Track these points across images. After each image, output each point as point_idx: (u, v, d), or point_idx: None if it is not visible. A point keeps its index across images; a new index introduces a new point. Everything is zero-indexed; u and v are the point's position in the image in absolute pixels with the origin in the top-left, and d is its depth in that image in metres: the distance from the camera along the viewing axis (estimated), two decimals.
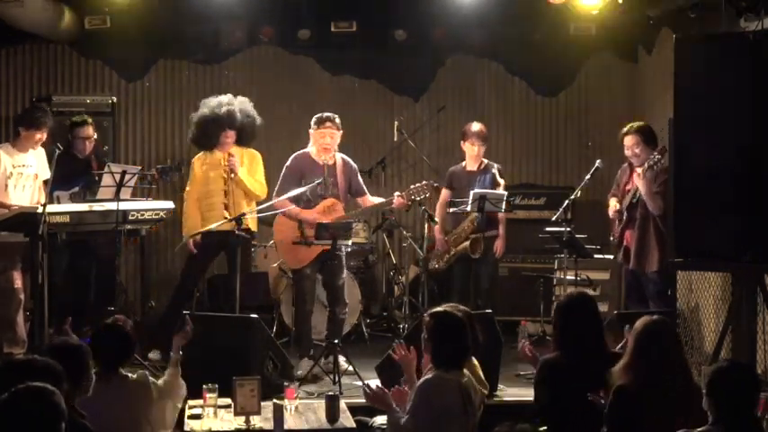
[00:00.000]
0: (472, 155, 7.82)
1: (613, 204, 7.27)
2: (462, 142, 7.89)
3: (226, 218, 7.23)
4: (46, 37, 8.73)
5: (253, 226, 7.57)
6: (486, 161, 7.86)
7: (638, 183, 6.94)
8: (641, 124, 7.24)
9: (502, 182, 7.64)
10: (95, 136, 7.75)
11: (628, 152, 7.12)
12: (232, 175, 7.41)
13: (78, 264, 7.62)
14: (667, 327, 4.42)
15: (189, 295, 7.68)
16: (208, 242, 7.38)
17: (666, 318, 4.62)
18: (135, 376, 4.65)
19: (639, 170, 6.97)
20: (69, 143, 7.59)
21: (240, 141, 7.59)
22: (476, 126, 7.83)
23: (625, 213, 7.11)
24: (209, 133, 7.52)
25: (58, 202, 7.22)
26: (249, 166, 7.56)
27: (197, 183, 7.52)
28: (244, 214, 7.09)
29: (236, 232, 6.88)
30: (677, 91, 6.36)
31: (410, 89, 9.52)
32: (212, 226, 7.15)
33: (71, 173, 7.40)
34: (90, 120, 7.70)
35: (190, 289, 7.68)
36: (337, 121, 7.13)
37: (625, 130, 7.18)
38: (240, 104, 7.62)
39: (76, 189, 7.38)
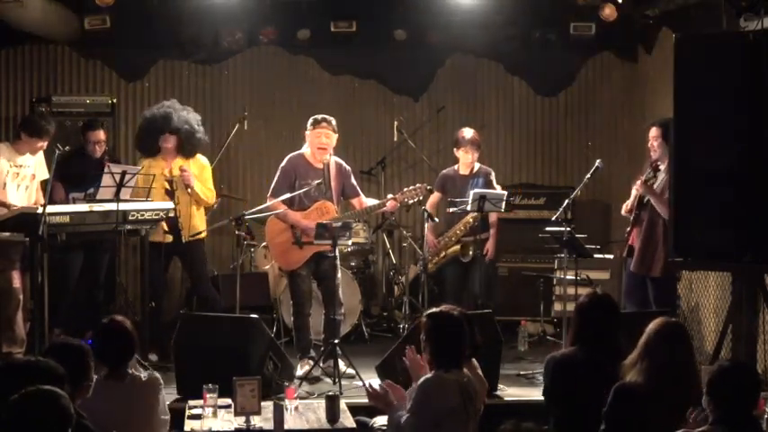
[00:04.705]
0: (466, 162, 7.82)
1: (633, 195, 7.17)
2: (455, 149, 7.86)
3: (165, 230, 7.33)
4: (46, 37, 8.73)
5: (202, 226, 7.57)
6: (478, 165, 7.86)
7: (642, 192, 6.92)
8: (667, 119, 7.17)
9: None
10: (105, 139, 7.76)
11: (648, 144, 7.12)
12: (188, 190, 7.38)
13: (92, 263, 7.62)
14: (681, 330, 4.39)
15: (159, 299, 7.65)
16: (157, 249, 7.41)
17: (681, 322, 4.58)
18: (146, 375, 4.65)
19: (640, 180, 6.97)
20: (82, 145, 7.61)
21: (182, 151, 7.53)
22: (468, 133, 7.81)
23: (634, 211, 7.10)
24: (147, 135, 7.55)
25: (73, 203, 7.23)
26: (199, 175, 7.55)
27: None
28: (243, 215, 7.09)
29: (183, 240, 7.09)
30: (677, 91, 6.36)
31: (410, 89, 9.52)
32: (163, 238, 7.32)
33: (84, 173, 7.40)
34: (103, 123, 7.68)
35: (159, 293, 7.64)
36: (333, 123, 7.10)
37: (652, 121, 7.19)
38: (181, 110, 7.61)
39: (92, 190, 7.37)
